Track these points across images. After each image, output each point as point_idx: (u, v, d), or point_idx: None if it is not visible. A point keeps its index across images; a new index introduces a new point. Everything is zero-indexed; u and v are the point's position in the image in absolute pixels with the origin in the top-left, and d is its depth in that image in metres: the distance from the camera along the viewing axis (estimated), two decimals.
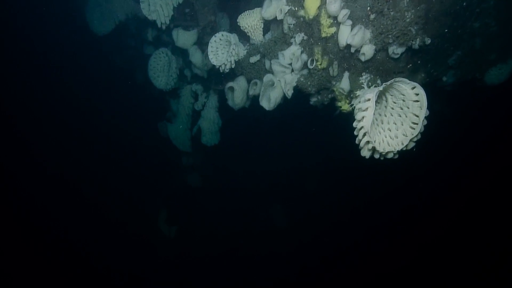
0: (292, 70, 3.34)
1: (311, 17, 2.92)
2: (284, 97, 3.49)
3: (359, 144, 2.66)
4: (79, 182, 8.16)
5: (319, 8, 2.87)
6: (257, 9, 3.33)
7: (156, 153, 7.72)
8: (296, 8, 3.03)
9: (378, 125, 2.86)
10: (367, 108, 2.50)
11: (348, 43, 2.81)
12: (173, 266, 7.57)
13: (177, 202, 7.64)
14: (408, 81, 2.46)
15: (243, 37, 3.75)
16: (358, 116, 2.56)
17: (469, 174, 5.66)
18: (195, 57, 4.33)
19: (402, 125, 2.70)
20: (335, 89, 3.22)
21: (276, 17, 3.16)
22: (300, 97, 3.53)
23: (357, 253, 6.93)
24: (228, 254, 7.54)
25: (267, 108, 3.49)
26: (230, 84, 3.87)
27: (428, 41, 2.59)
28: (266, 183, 7.63)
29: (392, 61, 2.93)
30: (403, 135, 2.66)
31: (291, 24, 3.14)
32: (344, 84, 3.12)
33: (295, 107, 3.71)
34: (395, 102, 2.75)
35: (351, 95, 3.23)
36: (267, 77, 3.41)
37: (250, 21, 3.30)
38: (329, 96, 3.42)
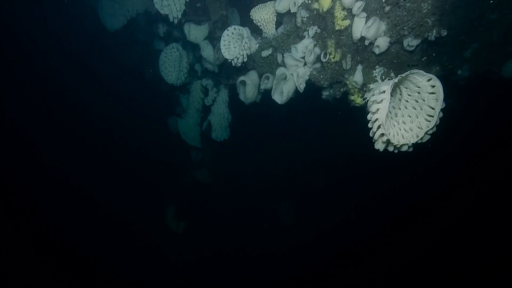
0: (305, 64, 3.33)
1: (325, 9, 2.92)
2: (296, 91, 3.48)
3: (373, 136, 2.65)
4: (88, 179, 8.16)
5: (333, 0, 2.86)
6: (270, 2, 3.33)
7: (164, 149, 7.76)
8: (310, 1, 3.03)
9: (392, 118, 2.85)
10: (382, 100, 2.48)
11: (363, 35, 2.80)
12: (181, 264, 7.55)
13: (185, 198, 7.66)
14: (424, 73, 2.44)
15: (255, 31, 3.75)
16: (372, 108, 2.55)
17: (483, 170, 5.58)
18: (206, 51, 4.35)
19: (417, 117, 2.68)
20: (348, 82, 3.21)
21: (289, 10, 3.16)
22: (312, 91, 3.53)
23: (366, 250, 6.88)
24: (235, 251, 7.52)
25: (279, 102, 3.49)
26: (242, 78, 3.87)
27: (444, 33, 2.57)
28: (274, 179, 7.61)
29: (407, 54, 2.91)
30: (418, 127, 2.64)
31: (304, 17, 3.14)
32: (358, 77, 3.11)
33: (306, 101, 3.70)
34: (409, 95, 2.74)
35: (364, 89, 3.22)
36: (280, 71, 3.41)
37: (263, 14, 3.30)
38: (341, 89, 3.41)
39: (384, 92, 2.48)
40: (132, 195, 8.20)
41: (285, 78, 3.42)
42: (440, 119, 2.53)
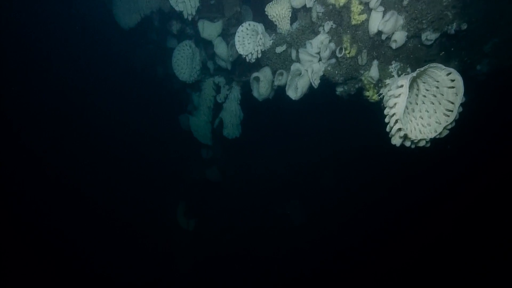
0: (320, 59, 3.32)
1: (341, 4, 2.90)
2: (310, 87, 3.47)
3: (390, 131, 2.62)
4: (97, 178, 8.18)
5: None
6: None
7: (175, 146, 7.80)
8: None
9: (409, 113, 2.81)
10: (399, 95, 2.46)
11: (380, 29, 2.77)
12: (190, 266, 7.52)
13: (195, 196, 7.68)
14: (444, 67, 2.40)
15: (269, 27, 3.75)
16: (390, 103, 2.52)
17: (501, 168, 5.45)
18: (220, 48, 4.37)
19: (435, 112, 2.64)
20: (363, 78, 3.18)
21: (305, 5, 3.15)
22: (326, 87, 3.51)
23: (377, 249, 6.80)
24: (244, 251, 7.49)
25: (293, 98, 3.48)
26: (255, 74, 3.88)
27: (464, 26, 2.52)
28: (284, 177, 7.58)
29: (424, 48, 2.87)
30: (436, 122, 2.60)
31: (320, 12, 3.12)
32: (373, 72, 3.08)
33: (320, 97, 3.68)
34: (427, 90, 2.70)
35: (379, 84, 3.18)
36: (295, 66, 3.40)
37: (278, 9, 3.30)
38: (356, 86, 3.39)
39: (402, 86, 2.45)
40: (142, 194, 8.24)
41: (300, 74, 3.41)
42: (460, 113, 2.49)
